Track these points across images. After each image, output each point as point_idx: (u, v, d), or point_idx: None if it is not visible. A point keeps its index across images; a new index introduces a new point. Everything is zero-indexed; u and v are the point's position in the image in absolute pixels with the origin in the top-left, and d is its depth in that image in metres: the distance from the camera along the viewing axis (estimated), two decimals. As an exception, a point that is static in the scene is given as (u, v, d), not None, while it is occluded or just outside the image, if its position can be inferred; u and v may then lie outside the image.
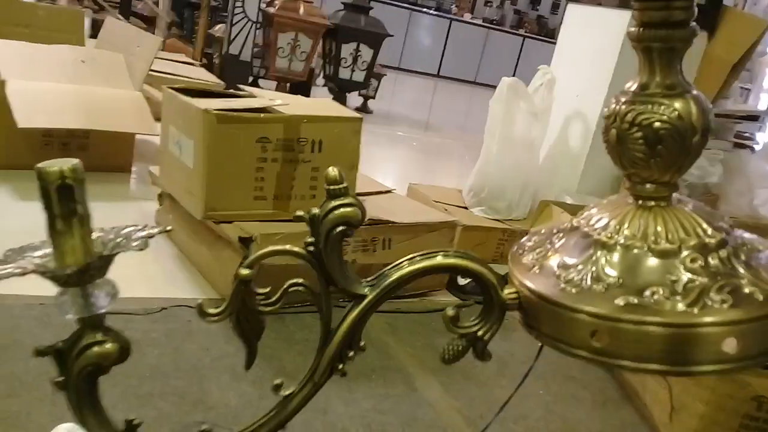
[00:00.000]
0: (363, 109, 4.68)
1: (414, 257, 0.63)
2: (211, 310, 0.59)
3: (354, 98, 4.66)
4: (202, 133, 1.45)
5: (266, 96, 1.67)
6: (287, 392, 0.63)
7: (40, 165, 0.51)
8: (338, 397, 1.23)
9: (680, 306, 0.52)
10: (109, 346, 0.56)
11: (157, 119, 1.86)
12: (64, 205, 0.51)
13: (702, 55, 2.18)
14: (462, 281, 1.76)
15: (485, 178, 2.15)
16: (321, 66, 4.42)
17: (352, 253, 1.56)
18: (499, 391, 1.39)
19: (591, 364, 0.57)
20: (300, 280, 0.61)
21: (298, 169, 1.54)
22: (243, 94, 1.69)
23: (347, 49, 4.11)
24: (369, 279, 0.63)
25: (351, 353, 0.63)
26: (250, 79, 4.05)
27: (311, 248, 0.60)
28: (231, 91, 1.70)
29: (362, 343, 0.64)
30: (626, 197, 0.63)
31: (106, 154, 2.13)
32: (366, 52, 4.15)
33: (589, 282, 0.56)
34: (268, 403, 0.67)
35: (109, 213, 1.96)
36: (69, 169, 0.51)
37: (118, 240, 0.58)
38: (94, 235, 0.57)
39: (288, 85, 4.04)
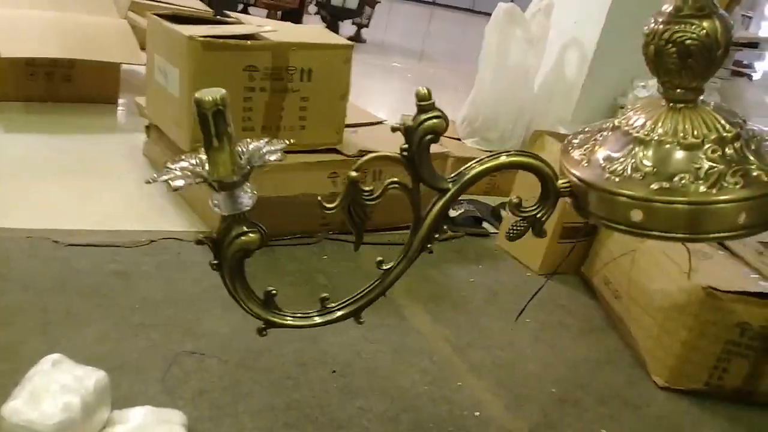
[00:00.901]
0: (356, 38, 4.57)
1: (482, 159, 0.74)
2: (328, 204, 0.70)
3: (347, 27, 4.54)
4: (188, 61, 1.41)
5: (254, 23, 1.62)
6: (387, 266, 0.76)
7: (197, 95, 0.61)
8: (328, 326, 1.25)
9: (702, 188, 0.66)
10: (252, 235, 0.68)
11: (143, 48, 1.81)
12: (218, 127, 0.62)
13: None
14: (453, 213, 1.76)
15: (479, 107, 2.12)
16: (313, -7, 4.29)
17: (342, 184, 1.55)
18: (486, 319, 1.41)
19: (629, 235, 0.71)
20: (396, 179, 0.71)
21: (286, 99, 1.51)
22: (230, 21, 1.64)
23: (339, -25, 3.98)
24: (449, 176, 0.74)
25: (437, 236, 0.75)
26: (240, 6, 3.94)
27: (405, 153, 0.71)
28: (218, 17, 1.65)
29: (445, 228, 0.76)
30: (660, 100, 0.74)
31: (92, 84, 2.09)
32: (359, -22, 4.03)
33: (629, 171, 0.69)
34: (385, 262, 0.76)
35: (96, 145, 1.96)
36: (221, 97, 0.61)
37: (254, 155, 0.67)
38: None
39: (279, 12, 3.93)
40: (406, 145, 0.71)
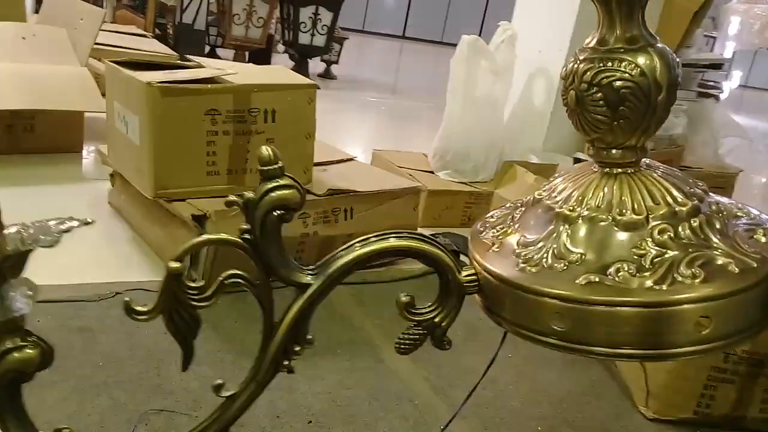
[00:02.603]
0: (326, 74, 4.59)
1: (353, 244, 0.59)
2: (140, 308, 0.56)
3: (317, 64, 4.56)
4: (147, 108, 1.38)
5: (215, 65, 1.60)
6: (229, 393, 0.60)
7: None
8: (302, 374, 1.20)
9: (647, 283, 0.48)
10: (30, 351, 0.53)
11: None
12: None
13: (663, 4, 2.14)
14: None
15: (449, 140, 2.11)
16: (280, 32, 4.31)
17: (313, 225, 1.52)
18: (468, 357, 1.37)
19: (558, 351, 0.52)
20: (236, 272, 0.57)
21: (251, 141, 1.48)
22: (190, 64, 1.62)
23: (306, 13, 4.00)
24: (312, 267, 0.59)
25: (297, 348, 0.59)
26: (207, 48, 3.94)
27: (247, 236, 0.56)
28: (177, 62, 1.63)
29: (309, 336, 0.60)
30: (592, 165, 0.59)
31: (55, 134, 2.05)
32: (325, 15, 4.05)
33: (549, 260, 0.52)
34: (229, 387, 0.63)
35: (60, 196, 1.91)
36: None
37: (37, 236, 0.54)
38: (12, 230, 0.53)
39: (247, 53, 3.93)
40: (248, 226, 0.55)
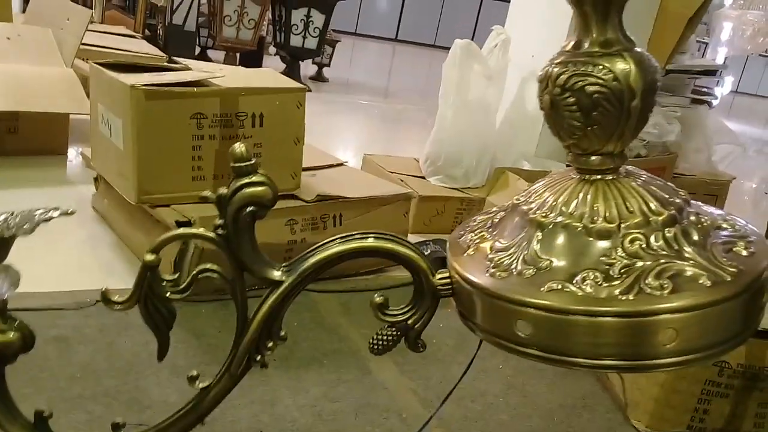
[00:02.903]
0: (318, 77, 4.56)
1: (328, 242, 0.59)
2: (117, 298, 0.57)
3: (308, 66, 4.52)
4: (131, 111, 1.34)
5: (202, 68, 1.56)
6: (203, 385, 0.60)
7: None
8: (286, 387, 1.17)
9: (614, 292, 0.47)
10: (11, 335, 0.54)
11: (89, 97, 1.74)
12: None
13: (657, 9, 2.12)
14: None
15: (441, 145, 2.08)
16: (272, 34, 4.27)
17: (301, 232, 1.48)
18: (457, 367, 1.34)
19: (521, 357, 0.52)
20: (210, 266, 0.57)
21: (238, 146, 1.45)
22: (177, 67, 1.58)
23: (297, 15, 3.96)
24: (285, 264, 0.59)
25: (270, 344, 0.60)
26: (197, 50, 3.90)
27: (221, 231, 0.56)
28: (164, 65, 1.59)
29: (283, 333, 0.61)
30: (572, 171, 0.58)
31: (39, 136, 2.01)
32: (317, 18, 4.01)
33: (519, 266, 0.51)
34: (204, 380, 0.63)
35: (43, 199, 1.87)
36: None
37: (22, 223, 0.53)
38: None
39: (238, 55, 3.89)
40: (221, 221, 0.56)
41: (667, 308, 0.46)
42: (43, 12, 2.31)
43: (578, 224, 0.51)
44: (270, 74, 1.66)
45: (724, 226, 0.53)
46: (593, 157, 0.55)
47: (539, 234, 0.53)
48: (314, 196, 1.54)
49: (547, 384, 1.33)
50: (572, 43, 0.54)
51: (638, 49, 0.53)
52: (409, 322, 0.57)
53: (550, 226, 0.52)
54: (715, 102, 2.75)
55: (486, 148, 2.10)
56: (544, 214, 0.53)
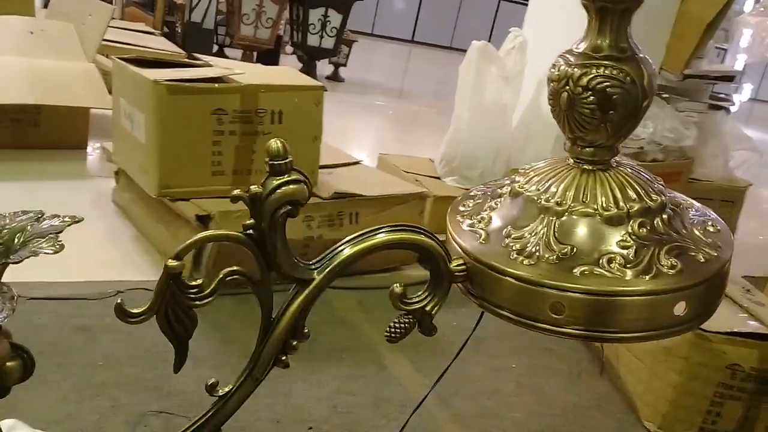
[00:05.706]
0: (334, 77, 4.58)
1: (355, 237, 0.58)
2: (134, 310, 0.52)
3: (324, 66, 4.55)
4: (153, 106, 1.37)
5: (223, 65, 1.59)
6: (223, 392, 0.58)
7: None
8: (303, 379, 1.19)
9: (637, 273, 0.53)
10: (9, 364, 0.48)
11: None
12: None
13: (676, 14, 2.12)
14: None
15: (457, 146, 2.09)
16: (289, 33, 4.30)
17: (317, 228, 1.50)
18: (473, 366, 1.35)
19: (546, 333, 0.56)
20: (237, 268, 0.55)
21: (257, 142, 1.47)
22: (198, 63, 1.61)
23: (315, 15, 3.98)
24: (314, 261, 0.58)
25: (295, 342, 0.58)
26: (215, 48, 3.93)
27: (251, 231, 0.54)
28: (185, 60, 1.62)
29: (306, 330, 0.59)
30: (565, 159, 0.62)
31: (60, 130, 2.04)
32: (335, 17, 4.03)
33: (541, 251, 0.56)
34: (225, 387, 0.62)
35: (64, 192, 1.90)
36: None
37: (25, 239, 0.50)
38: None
39: (255, 53, 3.92)
40: (252, 221, 0.54)
41: (681, 286, 0.54)
42: (66, 7, 2.35)
43: (590, 211, 0.57)
44: (289, 72, 1.68)
45: (688, 206, 0.61)
46: (597, 149, 0.60)
47: (555, 220, 0.57)
48: (331, 194, 1.55)
49: (561, 384, 1.34)
50: (587, 46, 0.59)
51: (643, 56, 0.58)
52: (427, 308, 0.58)
53: (564, 213, 0.57)
54: (733, 108, 2.74)
55: (501, 149, 2.11)
56: (557, 202, 0.58)
